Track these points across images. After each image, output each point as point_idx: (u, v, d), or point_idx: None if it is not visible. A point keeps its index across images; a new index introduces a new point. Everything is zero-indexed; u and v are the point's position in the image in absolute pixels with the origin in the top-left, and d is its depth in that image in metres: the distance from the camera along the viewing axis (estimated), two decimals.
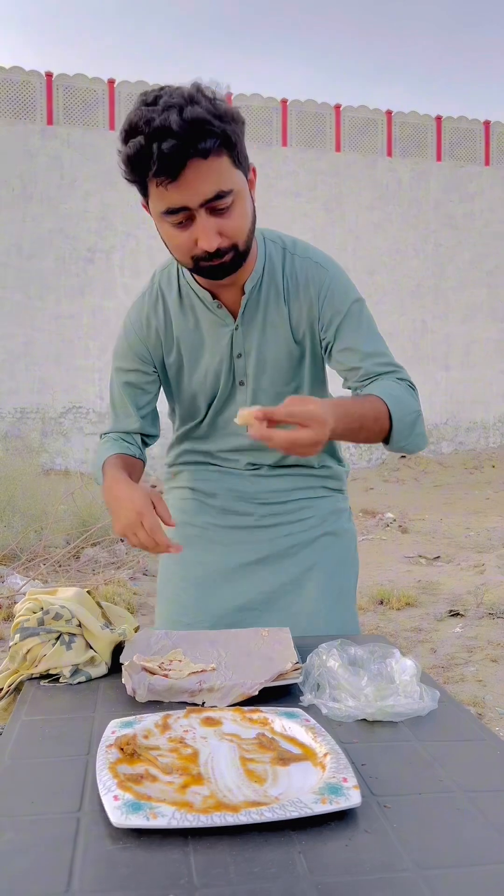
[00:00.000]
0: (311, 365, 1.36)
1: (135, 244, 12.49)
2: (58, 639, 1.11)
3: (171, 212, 1.11)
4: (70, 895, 0.59)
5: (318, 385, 1.38)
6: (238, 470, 1.44)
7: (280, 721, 0.90)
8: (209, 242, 1.12)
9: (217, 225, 1.12)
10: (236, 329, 1.31)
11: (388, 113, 13.43)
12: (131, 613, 2.16)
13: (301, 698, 1.00)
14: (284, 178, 12.84)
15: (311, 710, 0.96)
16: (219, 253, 1.14)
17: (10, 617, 3.94)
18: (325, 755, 0.81)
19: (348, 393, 1.31)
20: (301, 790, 0.75)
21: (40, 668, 1.09)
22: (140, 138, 1.05)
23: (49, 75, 12.25)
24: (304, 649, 1.10)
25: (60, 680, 1.08)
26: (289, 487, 1.44)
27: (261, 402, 1.34)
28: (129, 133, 1.07)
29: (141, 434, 1.42)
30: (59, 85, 12.30)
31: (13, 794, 0.76)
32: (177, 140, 1.03)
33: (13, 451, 8.46)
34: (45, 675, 1.10)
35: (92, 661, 1.12)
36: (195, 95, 1.06)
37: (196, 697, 0.98)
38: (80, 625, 1.14)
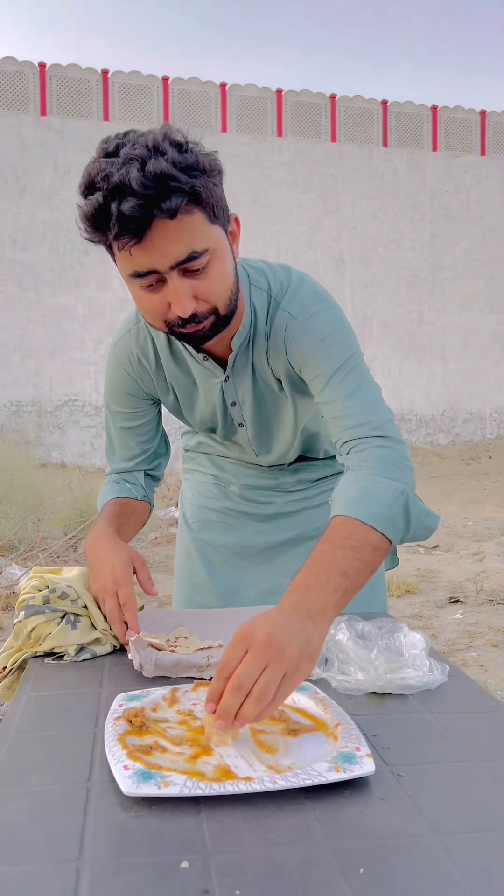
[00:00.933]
0: (302, 407, 1.23)
1: None
2: (63, 618, 1.10)
3: (138, 275, 0.97)
4: (83, 862, 0.58)
5: (308, 407, 1.24)
6: (260, 467, 1.40)
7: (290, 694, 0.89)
8: (183, 308, 0.98)
9: (192, 288, 0.98)
10: (226, 380, 1.20)
11: (384, 103, 13.38)
12: None
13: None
14: (280, 169, 12.79)
15: (320, 683, 0.95)
16: (195, 318, 1.00)
17: (8, 607, 3.92)
18: (337, 726, 0.80)
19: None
20: (313, 760, 0.74)
21: (45, 647, 1.07)
22: (98, 196, 0.91)
23: (42, 66, 12.17)
24: None
25: (65, 658, 1.07)
26: (313, 478, 1.41)
27: (262, 438, 1.29)
28: (87, 188, 0.93)
29: (146, 471, 1.35)
30: (52, 75, 12.22)
31: (20, 765, 0.75)
32: (137, 199, 0.89)
33: (10, 444, 8.44)
34: (50, 654, 1.08)
35: (97, 640, 1.10)
36: (160, 145, 0.92)
37: (204, 672, 0.97)
38: (85, 606, 1.12)
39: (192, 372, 1.23)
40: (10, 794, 0.68)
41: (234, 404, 1.24)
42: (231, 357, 1.17)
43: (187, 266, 0.96)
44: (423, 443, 13.47)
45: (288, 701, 0.88)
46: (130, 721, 0.80)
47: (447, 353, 13.76)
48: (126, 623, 1.09)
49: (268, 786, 0.68)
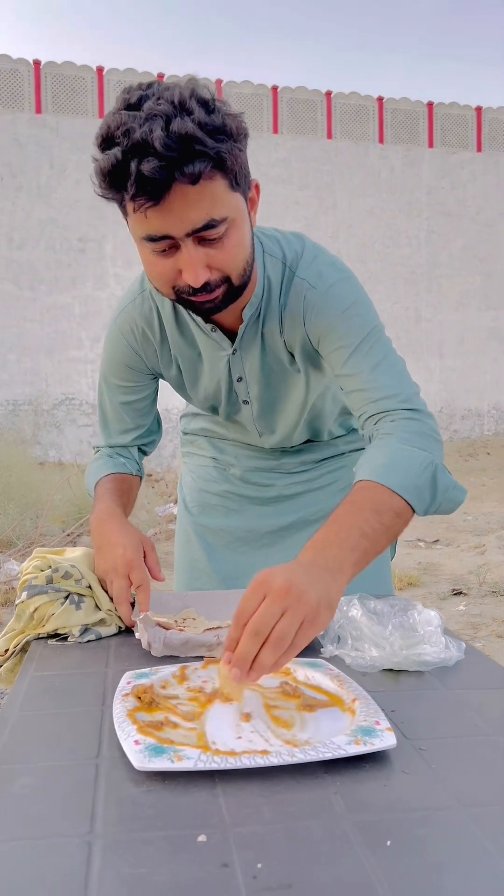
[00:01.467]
0: (315, 382, 1.19)
1: (126, 233, 12.33)
2: (67, 598, 1.07)
3: (151, 239, 0.92)
4: (94, 836, 0.55)
5: (319, 382, 1.20)
6: (261, 449, 1.36)
7: (303, 670, 0.86)
8: (195, 277, 0.93)
9: (206, 256, 0.93)
10: (234, 353, 1.15)
11: (380, 99, 13.37)
12: None
13: (321, 650, 0.96)
14: (276, 166, 12.77)
15: (334, 661, 0.92)
16: (207, 287, 0.95)
17: (7, 602, 3.89)
18: (354, 700, 0.77)
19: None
20: (331, 734, 0.71)
21: (48, 628, 1.04)
22: (116, 151, 0.85)
23: (37, 63, 12.13)
24: None
25: (69, 639, 1.04)
26: (316, 458, 1.37)
27: (267, 416, 1.25)
28: (105, 142, 0.87)
29: (139, 446, 1.32)
30: (47, 73, 12.18)
31: (26, 742, 0.72)
32: (159, 160, 0.83)
33: (7, 443, 8.40)
34: (53, 636, 1.05)
35: (102, 621, 1.07)
36: (187, 102, 0.85)
37: (214, 651, 0.94)
38: (89, 586, 1.09)
39: (197, 344, 1.18)
40: (16, 770, 0.65)
41: (240, 379, 1.19)
42: (241, 328, 1.12)
43: (204, 234, 0.91)
44: None
45: (301, 678, 0.85)
46: (139, 698, 0.77)
47: (444, 349, 13.75)
48: (132, 605, 1.06)
49: (286, 759, 0.65)
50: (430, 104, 13.63)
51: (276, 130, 12.91)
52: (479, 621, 3.28)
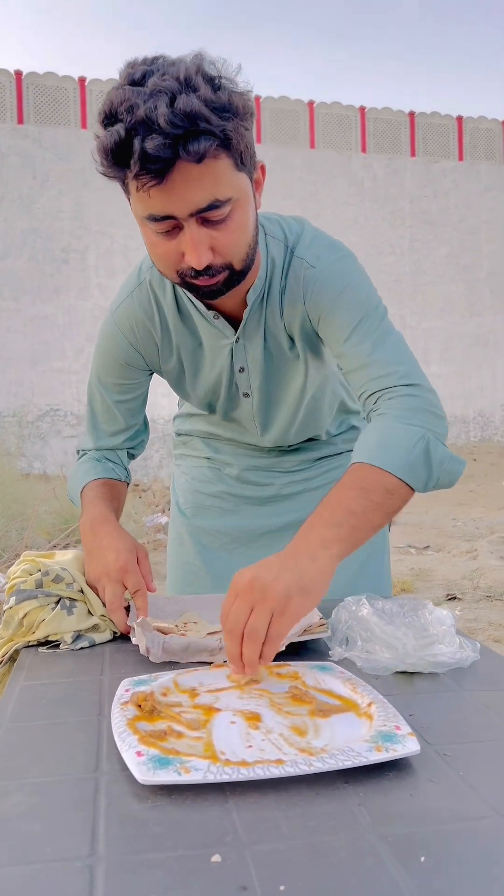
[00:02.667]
0: (313, 370, 1.16)
1: (109, 243, 12.35)
2: (57, 602, 1.01)
3: (153, 219, 0.89)
4: (96, 859, 0.50)
5: (319, 372, 1.18)
6: (258, 448, 1.32)
7: (312, 674, 0.81)
8: (198, 258, 0.90)
9: (209, 238, 0.91)
10: (236, 342, 1.12)
11: (362, 109, 13.44)
12: None
13: (330, 653, 0.91)
14: None
15: (344, 664, 0.87)
16: (209, 271, 0.93)
17: None
18: (370, 704, 0.72)
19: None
20: (349, 740, 0.66)
21: (38, 635, 0.99)
22: (119, 127, 0.82)
23: (19, 74, 12.09)
24: (323, 609, 1.01)
25: (61, 646, 0.98)
26: (314, 457, 1.33)
27: (267, 409, 1.21)
28: (108, 118, 0.85)
29: (129, 449, 1.27)
30: (28, 83, 12.14)
31: (18, 756, 0.66)
32: (163, 137, 0.81)
33: None
34: (44, 643, 0.99)
35: (95, 627, 1.02)
36: (193, 79, 0.83)
37: (217, 656, 0.88)
38: (81, 591, 1.04)
39: (199, 334, 1.14)
40: (8, 787, 0.60)
41: (242, 370, 1.15)
42: (246, 312, 1.08)
43: (207, 215, 0.88)
44: None
45: (311, 682, 0.80)
46: (139, 706, 0.72)
47: (429, 357, 13.79)
48: (127, 610, 1.01)
49: (303, 769, 0.59)
50: (411, 114, 13.72)
51: (259, 140, 12.93)
52: (475, 626, 3.24)
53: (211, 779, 0.58)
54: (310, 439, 1.32)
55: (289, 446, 1.31)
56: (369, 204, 13.44)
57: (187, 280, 0.95)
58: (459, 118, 13.99)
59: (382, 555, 1.37)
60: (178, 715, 0.71)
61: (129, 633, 0.99)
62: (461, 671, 0.86)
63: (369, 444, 0.93)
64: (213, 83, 0.84)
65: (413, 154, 13.73)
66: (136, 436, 1.27)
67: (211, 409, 1.25)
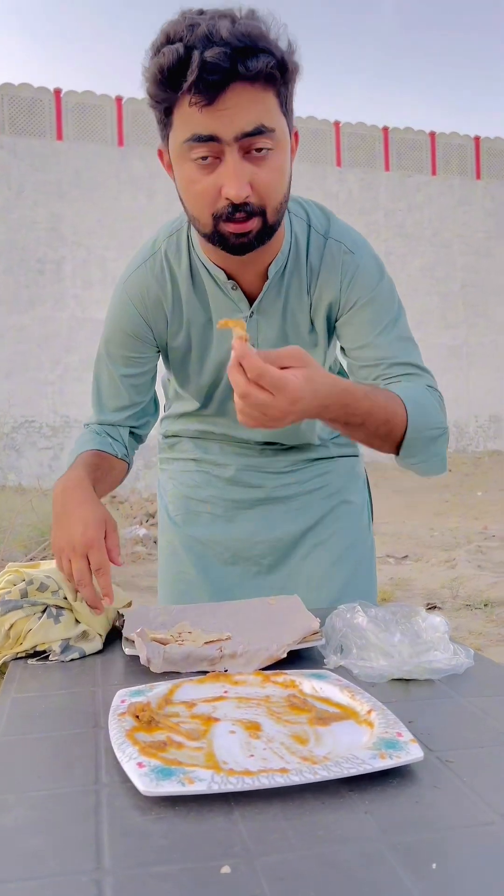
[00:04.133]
0: (324, 358, 1.19)
1: (85, 254, 12.31)
2: (44, 611, 0.99)
3: (197, 139, 0.88)
4: (102, 874, 0.48)
5: (323, 361, 1.21)
6: (249, 446, 1.30)
7: (309, 682, 0.80)
8: (237, 188, 0.89)
9: (249, 172, 0.90)
10: (250, 317, 1.10)
11: (336, 124, 13.59)
12: None
13: (325, 661, 0.90)
14: None
15: (339, 672, 0.87)
16: (246, 207, 0.92)
17: None
18: (370, 712, 0.71)
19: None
20: (351, 748, 0.65)
21: (26, 645, 0.97)
22: (179, 45, 0.84)
23: None
24: (316, 616, 1.01)
25: (51, 658, 0.96)
26: (306, 458, 1.31)
27: None
28: (165, 41, 0.86)
29: (132, 428, 1.23)
30: (3, 95, 12.11)
31: (14, 770, 0.64)
32: (225, 48, 0.83)
33: None
34: (32, 654, 0.98)
35: (84, 635, 1.00)
36: (253, 12, 0.88)
37: (217, 665, 0.87)
38: (66, 598, 1.02)
39: (211, 308, 1.12)
40: (7, 801, 0.58)
41: (253, 347, 1.14)
42: (266, 284, 1.08)
43: (251, 142, 0.89)
44: (385, 457, 13.51)
45: (308, 689, 0.79)
46: (137, 716, 0.71)
47: None
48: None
49: (308, 777, 0.59)
50: (385, 129, 13.90)
51: None
52: (457, 635, 3.26)
53: (216, 789, 0.57)
54: (305, 443, 1.31)
55: (281, 446, 1.29)
56: (344, 217, 13.38)
57: (220, 225, 0.94)
58: (432, 134, 14.21)
59: (371, 565, 1.37)
60: (177, 725, 0.70)
61: (98, 607, 0.97)
62: (456, 678, 0.86)
63: (416, 399, 1.00)
64: (270, 21, 0.89)
65: (387, 168, 13.91)
66: (142, 415, 1.23)
67: (208, 397, 1.22)
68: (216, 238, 0.97)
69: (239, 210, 0.92)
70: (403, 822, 0.55)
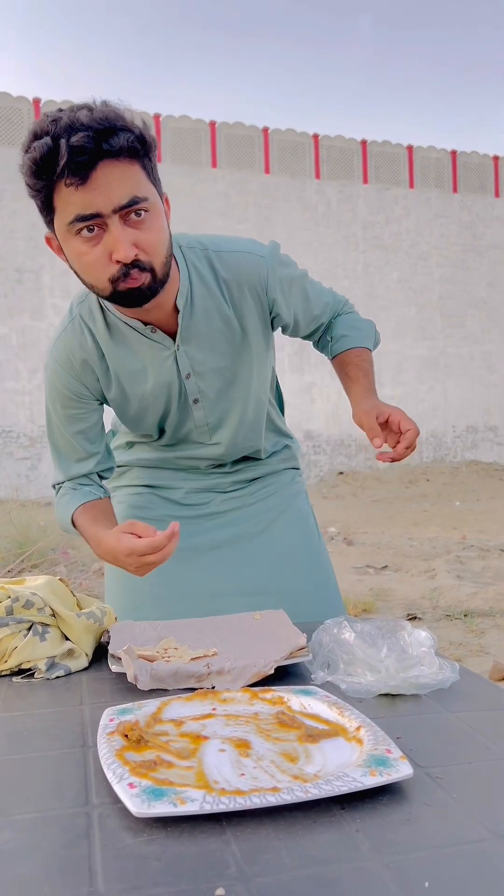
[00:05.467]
0: (259, 355, 1.26)
1: (64, 264, 12.27)
2: (30, 629, 0.99)
3: (81, 219, 0.98)
4: None
5: (263, 367, 1.30)
6: (199, 470, 1.37)
7: (297, 699, 0.81)
8: (125, 251, 0.99)
9: (132, 235, 1.00)
10: (178, 350, 1.19)
11: (315, 136, 13.70)
12: None
13: (312, 677, 0.90)
14: (215, 199, 12.89)
15: (326, 688, 0.87)
16: (138, 264, 1.01)
17: None
18: (358, 728, 0.72)
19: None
20: (341, 766, 0.66)
21: (11, 663, 0.96)
22: (47, 138, 0.95)
23: None
24: (302, 631, 1.01)
25: (36, 675, 0.96)
26: (249, 478, 1.39)
27: (216, 413, 1.27)
28: (34, 137, 0.97)
29: (99, 472, 1.30)
30: None
31: (1, 791, 0.64)
32: (88, 132, 0.94)
33: None
34: (18, 672, 0.97)
35: (70, 653, 0.99)
36: (106, 102, 1.00)
37: (204, 682, 0.87)
38: (53, 614, 1.02)
39: (139, 355, 1.20)
40: None
41: (188, 375, 1.21)
42: (180, 317, 1.16)
43: (129, 210, 0.99)
44: (363, 467, 13.61)
45: (297, 706, 0.79)
46: (126, 736, 0.70)
47: (383, 378, 14.00)
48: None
49: (300, 796, 0.59)
50: (363, 142, 14.03)
51: (214, 165, 13.06)
52: (437, 645, 3.27)
53: (208, 809, 0.57)
54: (248, 458, 1.38)
55: (229, 465, 1.36)
56: (323, 229, 13.66)
57: (118, 286, 1.03)
58: (410, 147, 14.37)
59: (329, 567, 1.42)
60: (166, 744, 0.70)
61: (170, 540, 1.03)
62: (442, 692, 0.87)
63: (356, 334, 1.33)
64: (122, 108, 1.01)
65: (365, 181, 14.04)
66: (103, 461, 1.30)
67: (160, 430, 1.30)
68: (116, 298, 1.07)
69: (132, 267, 1.02)
70: (395, 840, 0.55)
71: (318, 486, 12.31)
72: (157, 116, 12.82)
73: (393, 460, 1.14)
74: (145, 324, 1.16)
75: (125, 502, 1.39)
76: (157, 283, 1.06)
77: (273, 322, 1.26)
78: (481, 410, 14.85)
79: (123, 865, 0.52)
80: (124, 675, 0.92)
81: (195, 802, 0.57)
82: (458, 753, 0.71)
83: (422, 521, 8.50)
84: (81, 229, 0.99)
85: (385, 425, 1.15)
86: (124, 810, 0.59)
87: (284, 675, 0.93)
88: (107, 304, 1.17)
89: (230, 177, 13.09)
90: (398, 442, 1.14)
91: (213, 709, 0.80)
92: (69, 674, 0.96)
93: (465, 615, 3.78)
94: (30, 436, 11.98)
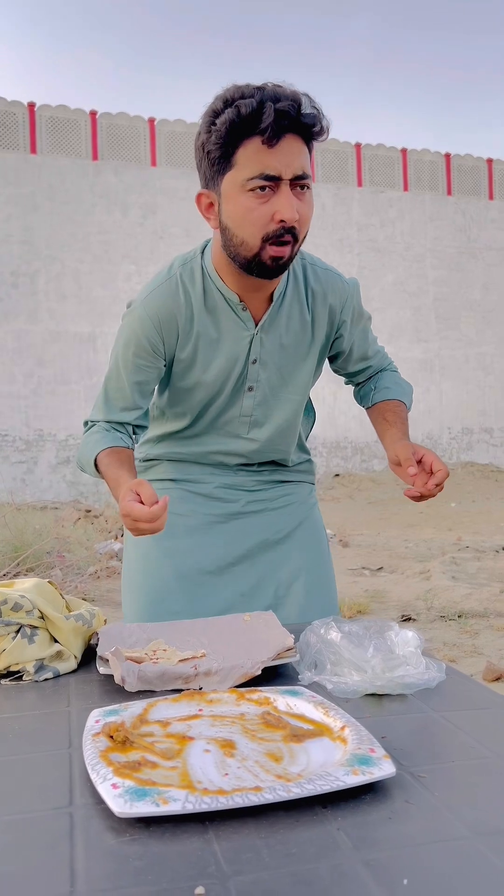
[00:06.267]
0: (313, 368, 1.36)
1: (59, 268, 12.27)
2: (18, 631, 0.99)
3: (263, 177, 1.08)
4: None
5: (311, 380, 1.39)
6: (227, 467, 1.40)
7: (283, 699, 0.81)
8: (291, 212, 1.09)
9: (297, 204, 1.11)
10: (256, 334, 1.27)
11: None
12: None
13: (299, 677, 0.91)
14: None
15: (313, 688, 0.87)
16: (292, 231, 1.11)
17: None
18: (343, 728, 0.72)
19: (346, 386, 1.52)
20: (324, 765, 0.66)
21: (0, 666, 0.96)
22: (253, 100, 1.05)
23: None
24: (291, 631, 1.02)
25: (24, 678, 0.96)
26: (274, 479, 1.44)
27: (263, 408, 1.34)
28: (232, 100, 1.07)
29: (135, 426, 1.34)
30: None
31: None
32: (292, 103, 1.06)
33: None
34: (6, 674, 0.97)
35: (59, 655, 1.00)
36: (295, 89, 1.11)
37: (192, 683, 0.87)
38: (42, 616, 1.02)
39: (221, 327, 1.27)
40: None
41: (255, 361, 1.29)
42: (272, 307, 1.26)
43: (298, 183, 1.10)
44: (359, 469, 13.63)
45: (283, 707, 0.80)
46: (111, 737, 0.71)
47: None
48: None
49: (282, 795, 0.59)
50: (357, 145, 14.08)
51: None
52: (431, 646, 3.28)
53: (190, 809, 0.57)
54: (274, 462, 1.42)
55: (256, 466, 1.41)
56: (318, 231, 13.69)
57: (266, 248, 1.12)
58: (404, 150, 14.41)
59: (332, 578, 1.47)
60: (152, 745, 0.70)
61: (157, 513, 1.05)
62: (428, 692, 0.87)
63: (401, 389, 1.42)
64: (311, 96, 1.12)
65: (360, 184, 14.08)
66: (142, 418, 1.35)
67: (202, 411, 1.33)
68: (254, 261, 1.15)
69: (286, 233, 1.11)
70: (376, 838, 0.56)
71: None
72: (151, 120, 12.83)
73: (421, 497, 1.21)
74: (240, 300, 1.24)
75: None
76: (291, 259, 1.15)
77: (333, 344, 1.36)
78: (476, 412, 14.88)
79: (105, 865, 0.52)
80: (112, 676, 0.92)
81: (177, 802, 0.58)
82: (441, 753, 0.71)
83: (417, 522, 8.52)
84: (256, 188, 1.09)
85: (418, 465, 1.21)
86: (108, 811, 0.59)
87: (272, 675, 0.93)
88: (210, 271, 1.25)
89: None
90: (427, 481, 1.20)
91: (200, 710, 0.80)
92: (57, 676, 0.97)
93: (460, 616, 3.79)
94: (25, 439, 11.97)
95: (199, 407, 1.33)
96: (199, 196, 1.18)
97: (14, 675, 0.96)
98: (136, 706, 0.79)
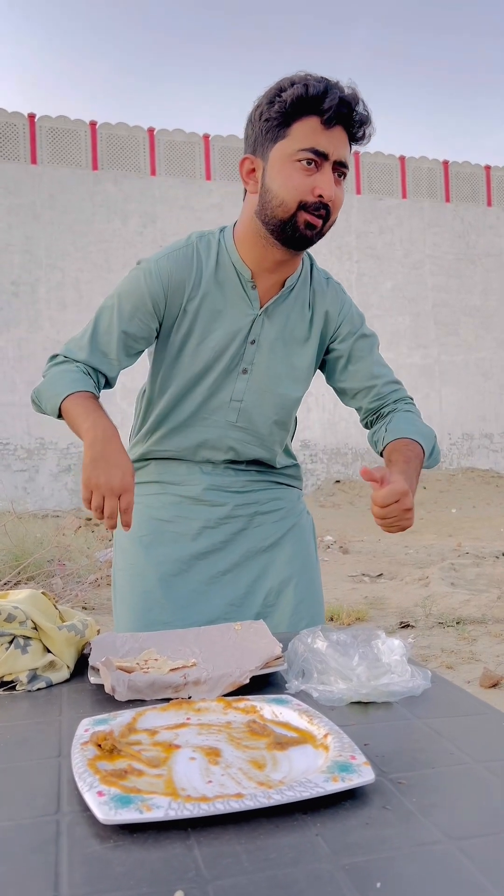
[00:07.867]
0: (304, 366, 1.37)
1: (60, 276, 12.32)
2: (11, 642, 1.01)
3: (314, 152, 1.16)
4: None
5: (302, 382, 1.39)
6: (214, 465, 1.39)
7: (269, 707, 0.83)
8: (330, 190, 1.17)
9: (335, 187, 1.19)
10: (259, 315, 1.31)
11: None
12: None
13: (286, 686, 0.92)
14: (209, 211, 12.97)
15: (299, 696, 0.89)
16: (327, 207, 1.19)
17: None
18: (326, 736, 0.74)
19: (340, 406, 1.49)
20: (306, 772, 0.68)
21: None
22: (320, 84, 1.15)
23: None
24: (280, 641, 1.03)
25: (17, 687, 0.97)
26: (261, 479, 1.43)
27: (254, 396, 1.33)
28: (301, 80, 1.16)
29: (106, 377, 1.31)
30: None
31: None
32: (352, 96, 1.16)
33: None
34: None
35: (52, 665, 1.01)
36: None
37: (181, 692, 0.89)
38: (35, 627, 1.03)
39: (226, 299, 1.30)
40: None
41: (253, 342, 1.31)
42: (282, 291, 1.31)
43: (339, 170, 1.20)
44: (359, 475, 13.62)
45: (269, 715, 0.81)
46: (99, 745, 0.72)
47: None
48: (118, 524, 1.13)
49: (262, 801, 0.61)
50: (356, 153, 14.14)
51: (208, 177, 13.15)
52: (429, 653, 3.28)
53: (172, 815, 0.59)
54: (262, 463, 1.42)
55: (244, 465, 1.40)
56: None
57: (300, 213, 1.19)
58: (402, 158, 14.48)
59: (319, 586, 1.47)
60: (138, 753, 0.72)
61: (114, 527, 1.12)
62: (414, 699, 0.89)
63: (418, 430, 1.32)
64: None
65: (359, 192, 14.14)
66: (113, 377, 1.33)
67: (192, 387, 1.32)
68: (288, 225, 1.21)
69: (321, 208, 1.19)
70: (353, 843, 0.57)
71: (315, 494, 12.33)
72: (150, 130, 12.90)
73: (384, 520, 1.16)
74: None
75: (143, 503, 1.41)
76: (319, 235, 1.22)
77: (329, 347, 1.38)
78: (477, 418, 14.89)
79: (88, 871, 0.54)
80: (104, 686, 0.94)
81: (160, 809, 0.59)
82: (422, 759, 0.73)
83: (418, 528, 8.53)
84: (304, 159, 1.17)
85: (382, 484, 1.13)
86: (93, 818, 0.61)
87: (264, 684, 0.95)
88: (229, 244, 1.30)
89: (224, 189, 13.17)
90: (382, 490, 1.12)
91: (188, 718, 0.81)
92: (50, 686, 0.98)
93: (458, 622, 3.80)
94: (27, 448, 11.99)
95: (190, 381, 1.32)
96: (242, 161, 1.25)
97: (7, 685, 0.98)
98: (126, 715, 0.80)
